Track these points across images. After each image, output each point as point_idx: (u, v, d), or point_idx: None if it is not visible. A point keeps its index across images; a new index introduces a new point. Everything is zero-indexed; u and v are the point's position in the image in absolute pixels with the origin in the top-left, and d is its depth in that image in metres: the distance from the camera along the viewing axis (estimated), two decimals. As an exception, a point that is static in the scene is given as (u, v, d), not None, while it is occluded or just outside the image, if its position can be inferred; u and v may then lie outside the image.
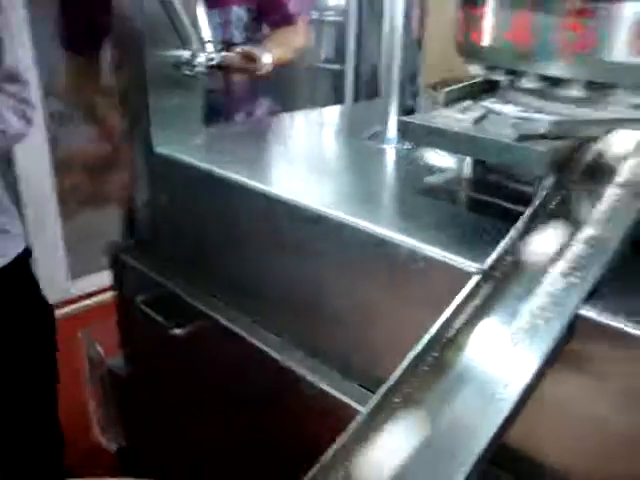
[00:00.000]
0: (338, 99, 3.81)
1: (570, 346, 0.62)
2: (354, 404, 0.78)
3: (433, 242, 0.70)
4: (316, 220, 0.80)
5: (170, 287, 1.10)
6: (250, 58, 1.66)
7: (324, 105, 3.95)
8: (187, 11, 1.07)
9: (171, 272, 1.12)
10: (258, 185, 0.89)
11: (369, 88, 3.47)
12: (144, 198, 1.16)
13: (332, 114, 1.53)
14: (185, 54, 1.07)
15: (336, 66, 3.92)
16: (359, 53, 3.59)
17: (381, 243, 0.73)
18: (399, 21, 1.04)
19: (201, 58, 1.08)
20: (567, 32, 0.80)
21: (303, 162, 1.04)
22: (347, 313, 0.81)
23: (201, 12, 1.17)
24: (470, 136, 0.75)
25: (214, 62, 1.14)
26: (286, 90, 4.17)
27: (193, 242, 1.08)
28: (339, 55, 3.88)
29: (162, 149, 1.07)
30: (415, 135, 0.81)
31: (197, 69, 1.09)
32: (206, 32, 1.16)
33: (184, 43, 1.09)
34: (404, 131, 0.83)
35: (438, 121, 0.79)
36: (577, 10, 0.80)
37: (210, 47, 1.15)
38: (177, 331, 1.05)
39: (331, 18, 4.07)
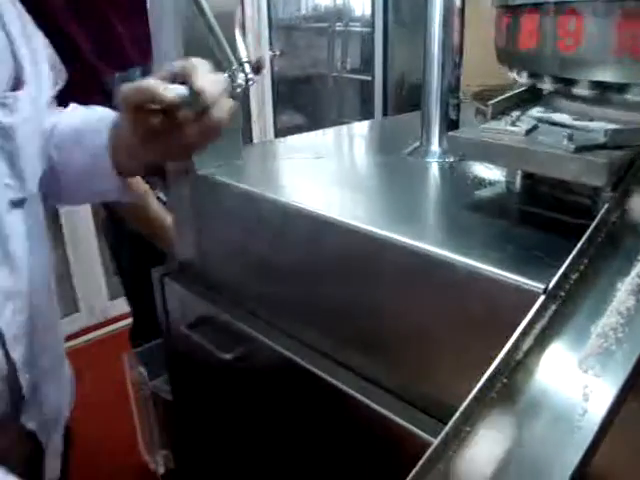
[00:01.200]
0: (366, 109, 3.80)
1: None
2: (420, 432, 0.75)
3: (492, 261, 0.67)
4: (369, 242, 0.78)
5: (216, 310, 1.09)
6: None
7: (353, 116, 3.95)
8: (225, 33, 1.07)
9: (217, 295, 1.11)
10: (305, 207, 0.87)
11: (398, 98, 3.46)
12: (187, 221, 1.16)
13: (365, 129, 1.51)
14: (225, 75, 1.06)
15: (363, 76, 3.92)
16: (386, 63, 3.57)
17: (438, 264, 0.71)
18: (437, 31, 1.02)
19: (240, 79, 1.07)
20: (623, 34, 0.78)
21: (348, 182, 1.02)
22: (408, 337, 0.79)
23: (238, 33, 1.17)
24: (524, 149, 0.73)
25: (252, 83, 1.14)
26: (314, 101, 4.18)
27: (239, 265, 1.07)
28: (366, 65, 3.87)
29: (204, 171, 1.07)
30: (466, 150, 0.79)
31: (237, 89, 1.09)
32: (243, 52, 1.16)
33: (223, 65, 1.08)
34: (454, 147, 0.80)
35: (489, 135, 0.77)
36: (633, 10, 0.77)
37: (247, 67, 1.15)
38: (225, 355, 1.03)
39: (357, 29, 4.07)
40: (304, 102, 4.18)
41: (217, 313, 1.09)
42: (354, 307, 0.85)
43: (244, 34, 3.45)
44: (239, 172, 1.06)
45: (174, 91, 0.81)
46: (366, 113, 3.80)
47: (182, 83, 0.84)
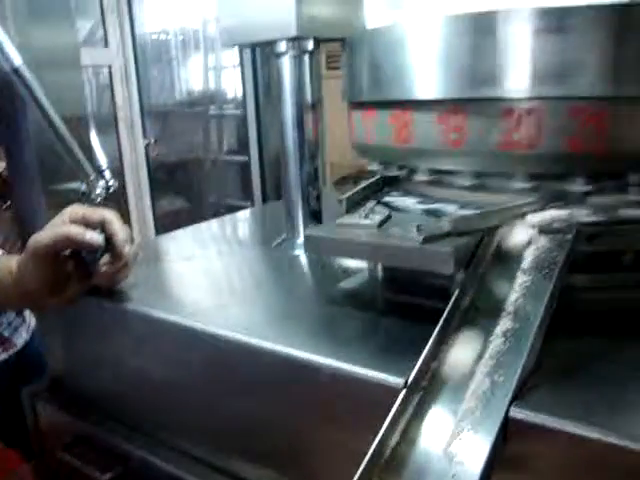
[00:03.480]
0: (247, 190, 3.85)
1: (506, 449, 0.61)
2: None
3: (354, 359, 0.68)
4: (231, 347, 0.78)
5: (93, 429, 1.03)
6: None
7: (233, 198, 3.97)
8: (79, 139, 1.05)
9: (93, 413, 1.06)
10: (171, 318, 0.86)
11: (277, 178, 3.53)
12: (57, 336, 1.11)
13: (237, 221, 1.53)
14: (82, 186, 1.04)
15: (240, 157, 3.98)
16: (260, 143, 3.66)
17: (304, 367, 0.71)
18: (291, 128, 1.06)
19: (98, 189, 1.05)
20: (447, 128, 0.84)
21: (216, 284, 1.02)
22: (279, 442, 0.78)
23: (95, 139, 1.16)
24: (376, 244, 0.75)
25: (112, 190, 1.12)
26: (193, 184, 4.18)
27: (113, 380, 1.03)
28: (243, 146, 3.94)
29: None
30: (322, 248, 0.81)
31: (96, 200, 1.07)
32: (102, 159, 1.14)
33: (80, 175, 1.06)
34: (311, 245, 0.82)
35: (342, 231, 0.80)
36: (454, 107, 0.84)
37: (108, 174, 1.13)
38: (104, 477, 0.98)
39: (230, 111, 4.16)
40: (184, 187, 4.18)
41: (94, 431, 1.03)
42: (231, 416, 0.83)
43: (116, 123, 3.44)
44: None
45: (92, 238, 0.84)
46: (247, 194, 3.85)
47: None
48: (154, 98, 4.03)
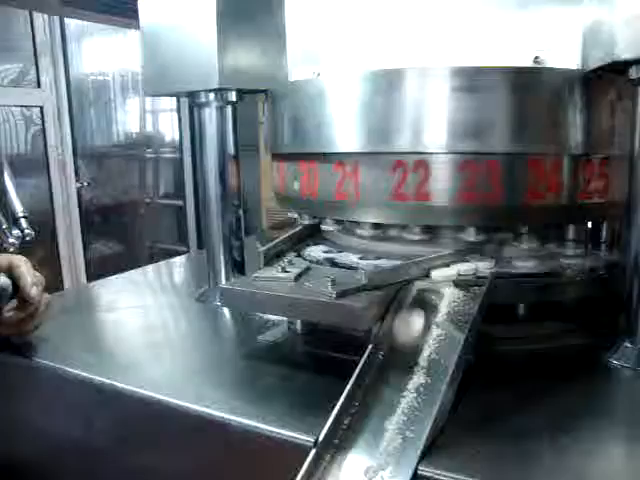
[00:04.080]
0: (182, 234, 3.82)
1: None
2: None
3: (265, 418, 0.67)
4: (143, 405, 0.75)
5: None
6: None
7: (168, 241, 3.91)
8: (-5, 186, 1.01)
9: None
10: (79, 372, 0.82)
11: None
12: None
13: (173, 268, 1.51)
14: (-8, 236, 1.00)
15: (176, 201, 3.95)
16: (196, 187, 3.64)
17: (215, 424, 0.69)
18: (213, 180, 1.05)
19: (11, 238, 1.01)
20: (345, 180, 0.86)
21: (135, 337, 0.99)
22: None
23: (10, 184, 1.12)
24: (291, 298, 0.75)
25: (29, 237, 1.08)
26: (128, 228, 4.11)
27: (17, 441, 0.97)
28: (179, 190, 3.92)
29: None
30: (238, 302, 0.80)
31: (9, 250, 1.03)
32: (18, 206, 1.10)
33: (-9, 224, 1.02)
34: (227, 299, 0.81)
35: (258, 284, 0.79)
36: (353, 161, 0.86)
37: (24, 223, 1.09)
38: None
39: (167, 155, 4.14)
40: (118, 230, 4.10)
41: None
42: (143, 476, 0.80)
43: (47, 164, 3.36)
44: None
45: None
46: (182, 238, 3.81)
47: None
48: (89, 140, 3.98)
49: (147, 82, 1.09)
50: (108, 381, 0.80)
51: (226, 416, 0.68)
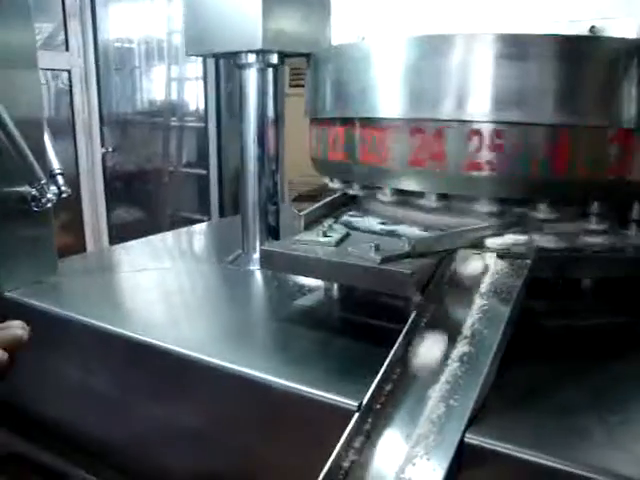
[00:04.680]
0: (204, 203, 3.81)
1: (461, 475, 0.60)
2: None
3: (306, 381, 0.67)
4: (181, 364, 0.75)
5: (25, 445, 0.99)
6: None
7: (190, 210, 3.92)
8: (32, 142, 1.01)
9: (25, 429, 1.01)
10: (120, 331, 0.82)
11: (235, 193, 3.49)
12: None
13: (193, 234, 1.50)
14: (32, 191, 1.00)
15: (200, 170, 3.93)
16: (220, 157, 3.63)
17: (256, 386, 0.69)
18: (252, 143, 1.04)
19: (50, 194, 1.01)
20: (417, 149, 0.84)
21: (167, 298, 0.99)
22: (230, 462, 0.76)
23: (48, 142, 1.11)
24: (333, 262, 0.74)
25: (66, 195, 1.08)
26: (151, 195, 4.12)
27: (49, 396, 0.98)
28: (202, 159, 3.90)
29: (13, 293, 0.98)
30: (278, 264, 0.80)
31: (46, 205, 1.02)
32: (55, 163, 1.10)
33: (30, 179, 1.02)
34: (267, 261, 0.80)
35: (299, 247, 0.78)
36: (419, 128, 0.84)
37: (60, 180, 1.09)
38: None
39: (191, 124, 4.12)
40: (140, 197, 4.11)
41: (28, 449, 0.98)
42: (179, 435, 0.80)
43: (74, 129, 3.36)
44: (51, 292, 0.98)
45: None
46: (204, 208, 3.81)
47: None
48: (115, 106, 3.97)
49: (189, 41, 1.08)
50: (143, 338, 0.79)
51: (266, 377, 0.68)
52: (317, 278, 0.88)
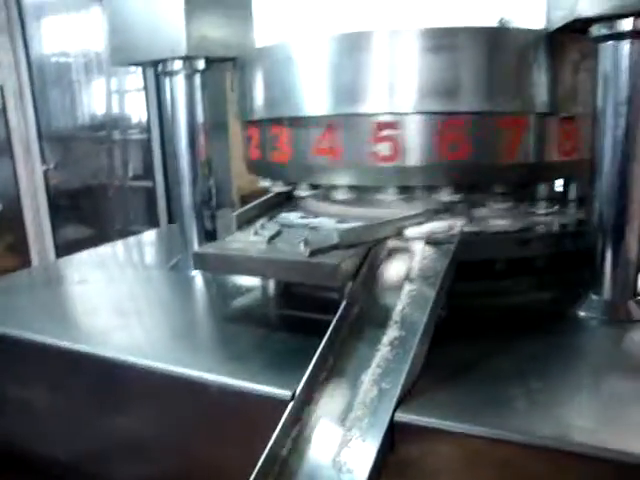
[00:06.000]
0: (153, 215, 3.77)
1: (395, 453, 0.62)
2: None
3: (241, 374, 0.68)
4: (122, 368, 0.75)
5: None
6: None
7: (140, 223, 3.87)
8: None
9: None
10: (56, 342, 0.82)
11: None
12: None
13: (138, 242, 1.50)
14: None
15: (146, 182, 3.89)
16: (166, 168, 3.60)
17: (192, 384, 0.70)
18: (184, 148, 1.05)
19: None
20: (324, 143, 0.87)
21: (107, 307, 0.99)
22: (169, 460, 0.76)
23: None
24: (264, 259, 0.76)
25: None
26: (98, 211, 4.06)
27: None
28: (148, 171, 3.87)
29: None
30: (212, 265, 0.81)
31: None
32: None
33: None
34: (201, 263, 0.82)
35: (232, 247, 0.80)
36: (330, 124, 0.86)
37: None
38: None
39: (135, 136, 4.07)
40: (88, 214, 4.05)
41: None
42: (120, 437, 0.81)
43: (10, 147, 3.29)
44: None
45: None
46: (153, 220, 3.77)
47: None
48: (55, 122, 3.90)
49: (114, 52, 1.08)
50: (83, 347, 0.80)
51: (204, 375, 0.69)
52: (251, 275, 0.90)
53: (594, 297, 0.83)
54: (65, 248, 3.60)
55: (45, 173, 3.44)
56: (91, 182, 4.04)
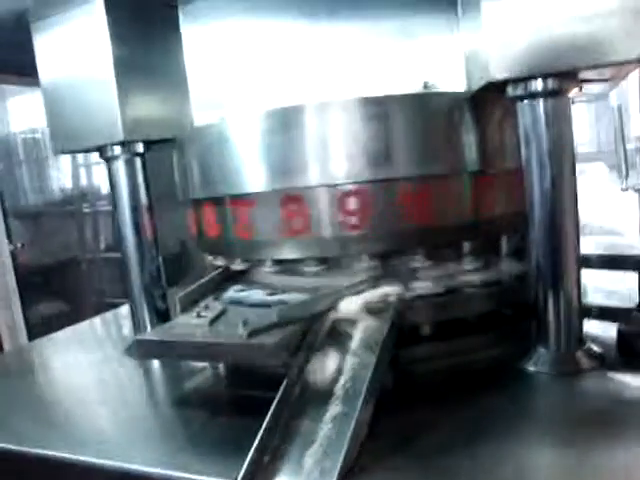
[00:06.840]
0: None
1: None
2: None
3: (185, 466, 0.67)
4: (66, 467, 0.74)
5: None
6: None
7: (115, 294, 3.83)
8: None
9: None
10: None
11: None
12: None
13: (107, 321, 1.48)
14: None
15: (118, 254, 3.87)
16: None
17: (137, 478, 0.69)
18: (129, 231, 1.05)
19: None
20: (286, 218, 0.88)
21: (52, 397, 0.97)
22: None
23: None
24: (202, 343, 0.75)
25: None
26: (71, 286, 4.02)
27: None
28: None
29: None
30: (153, 353, 0.80)
31: None
32: None
33: None
34: (142, 350, 0.81)
35: (173, 332, 0.79)
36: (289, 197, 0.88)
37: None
38: None
39: (104, 208, 4.08)
40: (60, 289, 4.01)
41: None
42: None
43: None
44: None
45: None
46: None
47: None
48: (23, 198, 3.89)
49: (55, 139, 1.09)
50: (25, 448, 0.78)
51: (152, 470, 0.68)
52: (194, 361, 0.89)
53: (542, 350, 0.83)
54: (41, 325, 3.55)
55: (13, 252, 3.40)
56: (63, 257, 4.01)
